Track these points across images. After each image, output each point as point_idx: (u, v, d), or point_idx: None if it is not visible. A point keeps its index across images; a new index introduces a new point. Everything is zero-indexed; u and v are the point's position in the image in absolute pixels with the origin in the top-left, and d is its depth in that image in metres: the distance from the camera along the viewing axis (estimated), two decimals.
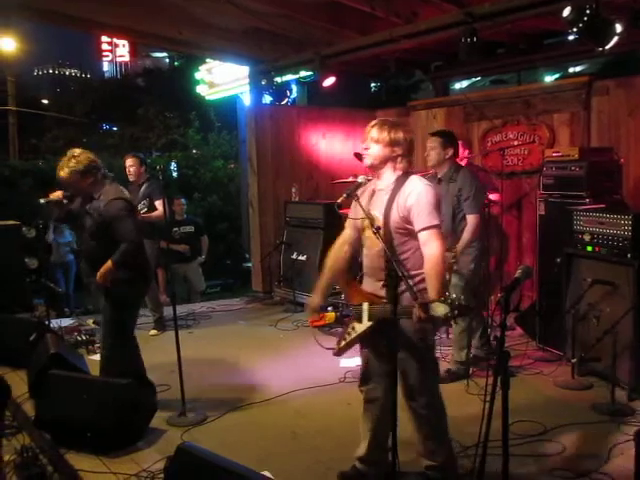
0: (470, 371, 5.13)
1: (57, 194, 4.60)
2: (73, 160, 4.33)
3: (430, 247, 3.10)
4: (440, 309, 2.80)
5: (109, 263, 4.27)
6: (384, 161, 3.24)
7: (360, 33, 7.21)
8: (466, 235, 4.93)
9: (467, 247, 4.94)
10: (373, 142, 3.24)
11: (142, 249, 4.57)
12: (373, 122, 3.28)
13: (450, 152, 5.04)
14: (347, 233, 3.51)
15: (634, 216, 4.68)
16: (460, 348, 5.12)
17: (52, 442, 3.99)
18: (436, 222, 3.14)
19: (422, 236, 3.13)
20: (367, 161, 3.28)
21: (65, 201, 4.58)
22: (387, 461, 3.34)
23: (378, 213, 3.23)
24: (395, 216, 3.17)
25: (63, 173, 4.32)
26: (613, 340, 4.40)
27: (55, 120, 24.51)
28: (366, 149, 3.27)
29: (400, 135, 3.22)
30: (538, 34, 7.33)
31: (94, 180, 4.38)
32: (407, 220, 3.16)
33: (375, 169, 3.30)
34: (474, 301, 5.16)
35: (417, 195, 3.15)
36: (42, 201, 4.65)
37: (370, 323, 3.25)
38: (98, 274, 4.29)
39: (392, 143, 3.20)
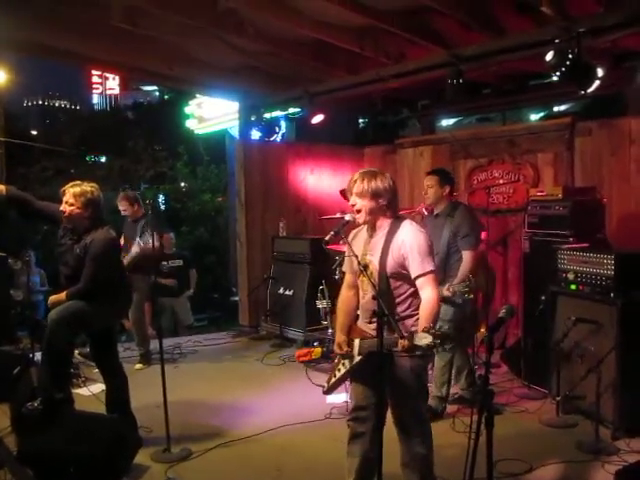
0: (455, 409, 5.15)
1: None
2: (89, 187, 4.46)
3: (426, 292, 3.21)
4: (424, 340, 2.90)
5: (62, 295, 4.39)
6: (374, 213, 3.32)
7: (348, 72, 7.34)
8: (463, 271, 4.93)
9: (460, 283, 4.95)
10: (358, 197, 3.31)
11: (119, 283, 4.61)
12: (354, 177, 3.35)
13: (447, 189, 5.17)
14: (348, 277, 3.62)
15: (617, 255, 4.75)
16: (441, 384, 5.09)
17: (34, 478, 3.94)
18: (430, 268, 3.24)
19: (418, 282, 3.24)
20: (360, 219, 3.35)
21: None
22: None
23: (375, 258, 3.32)
24: (390, 261, 3.26)
25: (74, 189, 4.40)
26: (597, 378, 4.44)
27: (43, 151, 24.50)
28: (354, 205, 3.34)
29: (380, 185, 3.29)
30: (523, 75, 7.51)
31: (92, 216, 4.42)
32: (402, 266, 3.26)
33: (368, 222, 3.38)
34: (459, 336, 5.20)
35: (410, 243, 3.24)
36: None
37: (360, 357, 3.34)
38: (50, 299, 4.49)
39: (376, 195, 3.28)
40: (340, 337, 3.48)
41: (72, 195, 4.39)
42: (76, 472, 3.79)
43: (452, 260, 5.04)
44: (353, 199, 3.34)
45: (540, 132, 7.23)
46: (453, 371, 5.22)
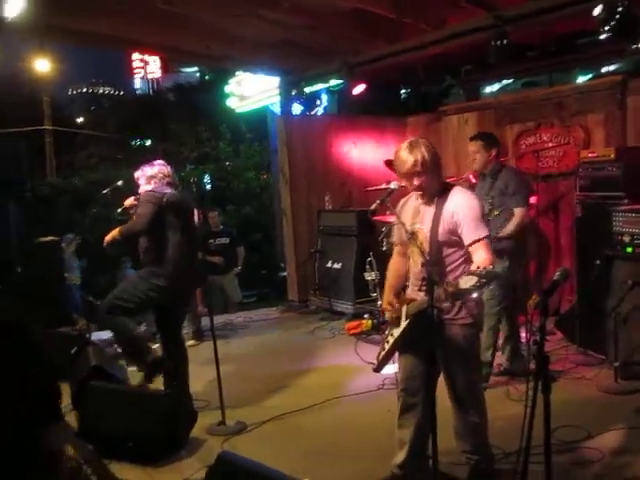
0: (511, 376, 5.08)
1: (130, 200, 4.81)
2: (148, 167, 4.78)
3: (479, 254, 3.16)
4: (469, 282, 2.85)
5: (116, 231, 4.56)
6: (423, 181, 3.24)
7: (388, 41, 7.22)
8: (510, 226, 4.92)
9: (505, 239, 4.90)
10: (406, 171, 3.24)
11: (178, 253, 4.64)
12: (398, 151, 3.27)
13: (494, 152, 5.10)
14: (397, 249, 3.61)
15: None
16: (486, 347, 4.95)
17: (95, 453, 4.03)
18: (485, 233, 3.19)
19: (472, 247, 3.19)
20: (412, 186, 3.30)
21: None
22: (427, 468, 3.32)
23: (425, 226, 3.28)
24: (441, 229, 3.22)
25: (136, 173, 4.78)
26: None
27: (90, 138, 24.93)
28: (404, 179, 3.29)
29: (425, 154, 3.19)
30: (569, 34, 7.27)
31: (157, 187, 4.67)
32: (454, 232, 3.22)
33: (417, 190, 3.33)
34: (513, 296, 5.12)
35: (463, 210, 3.19)
36: (119, 210, 4.82)
37: (407, 321, 3.29)
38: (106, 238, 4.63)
39: (422, 164, 3.19)
40: (389, 296, 3.46)
41: (136, 178, 4.76)
42: (134, 446, 3.88)
43: (498, 221, 4.94)
44: (400, 174, 3.28)
45: (590, 92, 7.00)
46: (500, 340, 5.15)
